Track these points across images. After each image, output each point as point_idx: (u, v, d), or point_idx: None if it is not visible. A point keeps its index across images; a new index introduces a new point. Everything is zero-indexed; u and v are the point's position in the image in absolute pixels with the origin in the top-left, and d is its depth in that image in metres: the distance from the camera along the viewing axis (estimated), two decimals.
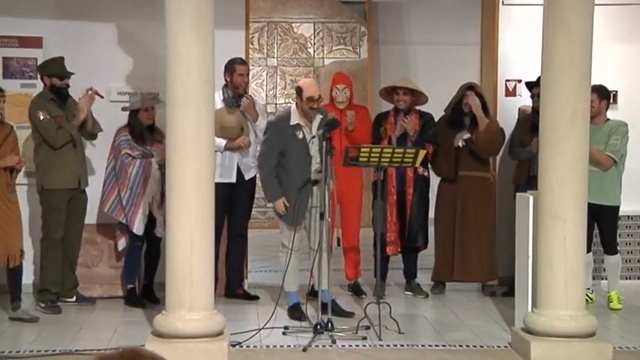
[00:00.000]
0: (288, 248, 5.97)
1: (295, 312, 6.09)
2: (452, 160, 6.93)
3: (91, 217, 6.79)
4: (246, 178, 6.76)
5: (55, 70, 6.37)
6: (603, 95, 6.61)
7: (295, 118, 5.99)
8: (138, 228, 6.44)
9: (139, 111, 6.54)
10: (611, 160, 6.53)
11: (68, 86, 6.43)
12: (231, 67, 6.66)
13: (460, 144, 6.88)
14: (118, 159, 6.51)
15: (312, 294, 6.61)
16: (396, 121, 6.89)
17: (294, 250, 5.97)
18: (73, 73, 6.41)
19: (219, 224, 6.52)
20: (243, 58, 6.94)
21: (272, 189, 6.00)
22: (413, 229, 6.89)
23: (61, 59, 6.44)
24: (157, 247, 6.59)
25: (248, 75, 6.78)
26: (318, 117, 5.98)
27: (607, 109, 6.70)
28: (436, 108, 7.07)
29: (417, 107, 6.99)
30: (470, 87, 6.95)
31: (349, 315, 5.98)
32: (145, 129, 6.56)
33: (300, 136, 5.92)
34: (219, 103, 6.63)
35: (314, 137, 5.80)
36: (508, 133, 7.10)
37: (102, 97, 6.45)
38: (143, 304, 6.47)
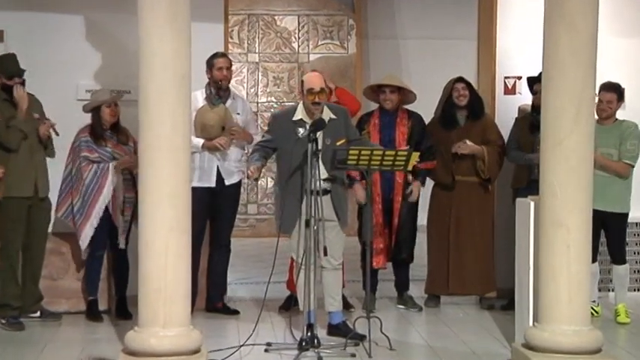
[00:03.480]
0: (303, 263, 5.81)
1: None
2: (449, 165, 6.96)
3: (55, 226, 6.76)
4: (227, 183, 6.76)
5: (1, 69, 6.33)
6: (620, 95, 6.66)
7: (299, 114, 5.95)
8: (84, 239, 6.45)
9: (100, 108, 6.52)
10: (629, 167, 6.57)
11: (22, 84, 6.36)
12: (210, 61, 6.69)
13: (460, 152, 6.90)
14: (75, 162, 6.50)
15: (285, 307, 6.63)
16: (380, 122, 6.90)
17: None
18: (24, 70, 6.35)
19: (200, 232, 6.53)
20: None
21: (250, 161, 5.92)
22: (398, 240, 6.90)
23: (10, 56, 6.40)
24: (124, 258, 6.59)
25: (229, 69, 6.78)
26: (328, 115, 5.93)
27: (618, 108, 6.74)
28: (429, 108, 7.09)
29: (405, 107, 7.02)
30: (459, 79, 6.98)
31: (362, 338, 5.82)
32: (107, 129, 6.53)
33: (301, 134, 5.86)
34: (201, 102, 6.65)
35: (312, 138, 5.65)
36: (505, 134, 7.11)
37: (57, 134, 6.42)
38: (102, 318, 6.50)
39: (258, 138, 6.89)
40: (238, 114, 6.82)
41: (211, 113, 6.60)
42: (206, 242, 6.84)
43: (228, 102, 6.79)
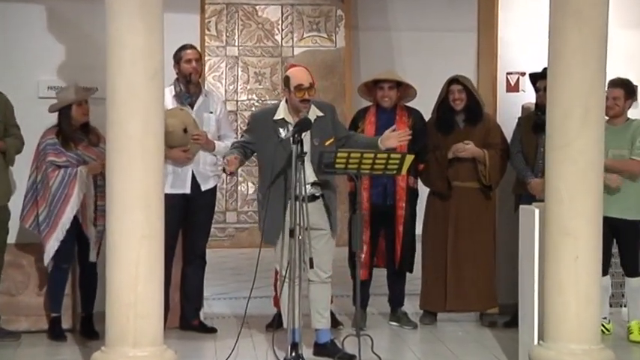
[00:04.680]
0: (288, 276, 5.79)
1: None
2: (444, 172, 6.97)
3: (19, 236, 6.77)
4: (203, 189, 6.76)
5: None
6: (630, 92, 6.70)
7: (281, 113, 5.95)
8: (49, 252, 6.42)
9: (70, 107, 6.51)
10: None
11: None
12: (177, 54, 6.70)
13: (460, 155, 6.93)
14: (41, 167, 6.48)
15: (272, 325, 6.63)
16: (377, 119, 6.93)
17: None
18: None
19: (172, 242, 6.54)
20: (200, 46, 6.98)
21: (227, 156, 5.94)
22: (401, 250, 6.92)
23: None
24: (93, 271, 6.58)
25: (199, 61, 6.80)
26: (314, 113, 5.94)
27: (629, 107, 6.78)
28: (424, 106, 7.09)
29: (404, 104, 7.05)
30: (454, 80, 7.00)
31: (351, 358, 5.85)
32: (77, 129, 6.53)
33: (283, 135, 5.87)
34: (169, 100, 6.64)
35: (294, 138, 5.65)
36: (507, 134, 7.14)
37: None
38: (65, 337, 6.48)
39: (232, 139, 6.92)
40: (211, 112, 6.83)
41: (170, 119, 6.54)
42: (178, 254, 6.83)
43: (200, 99, 6.80)
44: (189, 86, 6.75)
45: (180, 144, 6.58)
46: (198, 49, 6.97)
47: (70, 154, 6.48)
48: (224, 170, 5.96)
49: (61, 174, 6.44)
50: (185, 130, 6.57)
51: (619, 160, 6.55)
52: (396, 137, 6.03)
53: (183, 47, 6.74)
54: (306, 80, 5.90)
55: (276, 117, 5.95)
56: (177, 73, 6.73)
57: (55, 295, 6.61)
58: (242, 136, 6.15)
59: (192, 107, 6.76)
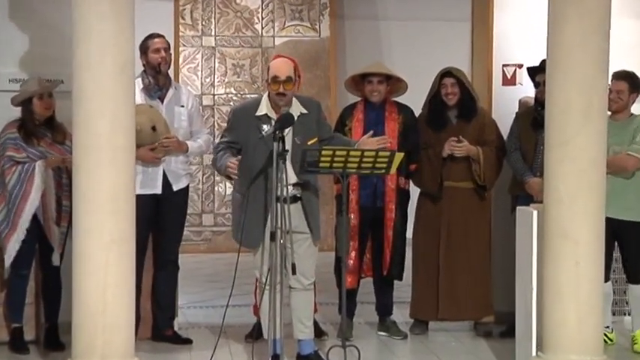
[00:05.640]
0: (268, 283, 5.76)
1: None
2: (436, 172, 6.97)
3: None
4: (175, 189, 6.76)
5: None
6: (635, 86, 6.71)
7: (264, 108, 5.96)
8: (10, 254, 6.39)
9: (32, 100, 6.48)
10: (637, 160, 6.60)
11: None
12: (144, 44, 6.69)
13: (455, 153, 6.92)
14: (0, 163, 6.46)
15: (252, 335, 6.63)
16: (365, 116, 6.93)
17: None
18: None
19: (142, 247, 6.51)
20: (174, 35, 6.97)
21: (221, 161, 5.93)
22: (389, 255, 6.92)
23: None
24: (57, 277, 6.55)
25: (168, 50, 6.78)
26: (298, 109, 5.94)
27: (634, 102, 6.81)
28: (415, 101, 7.10)
29: (394, 99, 7.06)
30: (446, 73, 7.01)
31: None
32: (41, 125, 6.50)
33: (265, 131, 5.86)
34: (137, 95, 6.61)
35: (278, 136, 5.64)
36: (504, 130, 7.15)
37: None
38: (28, 350, 6.45)
39: (204, 135, 6.91)
40: (182, 106, 6.83)
41: (137, 116, 6.49)
42: (149, 260, 6.81)
43: (170, 91, 6.80)
44: (159, 78, 6.74)
45: (149, 143, 6.55)
46: (172, 38, 6.98)
47: (31, 150, 6.45)
48: (229, 177, 5.97)
49: (19, 170, 6.40)
50: (154, 129, 6.54)
51: (612, 156, 6.56)
52: (374, 143, 6.04)
53: (150, 36, 6.73)
54: (283, 72, 5.89)
55: (259, 113, 5.95)
56: (144, 65, 6.72)
57: (14, 304, 6.57)
58: (223, 137, 6.13)
59: (162, 101, 6.76)
